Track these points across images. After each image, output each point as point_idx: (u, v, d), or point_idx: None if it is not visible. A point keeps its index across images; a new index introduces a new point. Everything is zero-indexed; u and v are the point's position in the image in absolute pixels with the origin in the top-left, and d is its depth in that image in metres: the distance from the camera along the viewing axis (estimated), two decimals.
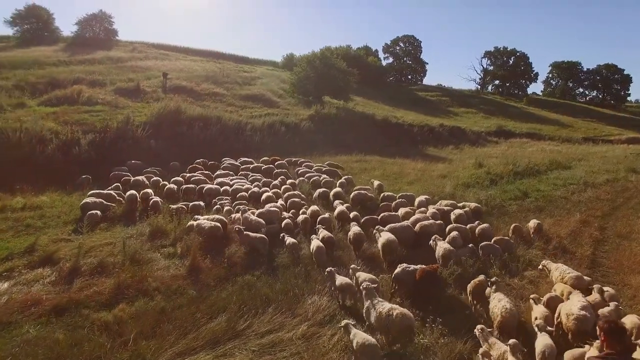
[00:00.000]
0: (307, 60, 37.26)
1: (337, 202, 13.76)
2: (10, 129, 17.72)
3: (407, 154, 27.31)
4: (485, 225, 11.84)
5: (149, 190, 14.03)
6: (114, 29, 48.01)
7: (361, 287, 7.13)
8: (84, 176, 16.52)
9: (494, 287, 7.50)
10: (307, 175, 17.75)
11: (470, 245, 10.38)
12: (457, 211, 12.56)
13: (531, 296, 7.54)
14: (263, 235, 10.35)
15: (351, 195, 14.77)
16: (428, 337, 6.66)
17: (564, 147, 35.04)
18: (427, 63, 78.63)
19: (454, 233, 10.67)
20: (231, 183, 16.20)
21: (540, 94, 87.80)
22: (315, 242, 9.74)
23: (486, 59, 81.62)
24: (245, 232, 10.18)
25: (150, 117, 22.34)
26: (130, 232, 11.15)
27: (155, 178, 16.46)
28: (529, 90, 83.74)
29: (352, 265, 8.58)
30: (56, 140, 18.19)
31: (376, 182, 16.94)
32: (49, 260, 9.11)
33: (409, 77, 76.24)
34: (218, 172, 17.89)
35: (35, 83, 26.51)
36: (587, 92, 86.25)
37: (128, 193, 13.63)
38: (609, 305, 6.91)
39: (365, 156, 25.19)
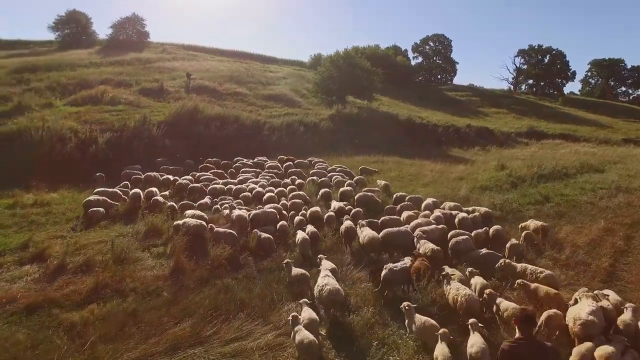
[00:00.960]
0: (331, 60, 36.87)
1: (334, 201, 13.53)
2: (33, 128, 18.43)
3: (428, 155, 26.47)
4: (497, 227, 11.40)
5: (153, 189, 14.13)
6: (145, 31, 49.57)
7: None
8: (98, 174, 16.91)
9: (444, 280, 7.75)
10: (318, 175, 17.49)
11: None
12: (461, 215, 11.87)
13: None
14: (232, 231, 10.42)
15: (355, 197, 14.34)
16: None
17: (600, 149, 32.89)
18: (458, 62, 76.80)
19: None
20: (236, 182, 16.12)
21: (578, 93, 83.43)
22: (300, 234, 10.03)
23: (520, 57, 78.41)
24: (215, 229, 10.28)
25: (168, 116, 22.68)
26: (127, 230, 11.21)
27: (165, 176, 16.67)
28: (566, 90, 79.86)
29: (320, 255, 8.99)
30: (75, 139, 18.75)
31: (382, 182, 16.42)
32: (39, 257, 9.24)
33: (439, 76, 74.26)
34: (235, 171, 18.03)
35: (66, 84, 27.55)
36: (630, 91, 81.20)
37: (132, 191, 13.79)
38: (623, 309, 6.75)
39: (383, 157, 24.57)
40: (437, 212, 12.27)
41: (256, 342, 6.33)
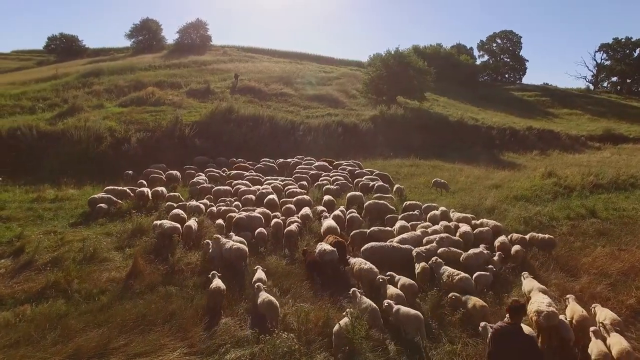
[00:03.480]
0: (381, 59, 35.70)
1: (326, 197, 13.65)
2: (74, 127, 19.80)
3: (473, 158, 24.43)
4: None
5: (160, 189, 14.35)
6: (208, 35, 51.56)
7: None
8: (127, 171, 17.67)
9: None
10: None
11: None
12: (464, 229, 10.50)
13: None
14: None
15: (365, 205, 13.36)
16: None
17: None
18: (527, 60, 70.01)
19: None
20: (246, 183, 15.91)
21: None
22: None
23: (601, 52, 69.87)
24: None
25: (203, 116, 23.21)
26: (116, 229, 11.38)
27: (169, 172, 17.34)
28: None
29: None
30: (110, 138, 19.83)
31: (395, 186, 15.26)
32: (20, 251, 9.62)
33: (506, 75, 68.47)
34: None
35: (122, 86, 29.46)
36: None
37: (137, 190, 14.10)
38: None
39: (420, 160, 23.04)
40: (439, 225, 11.00)
41: None
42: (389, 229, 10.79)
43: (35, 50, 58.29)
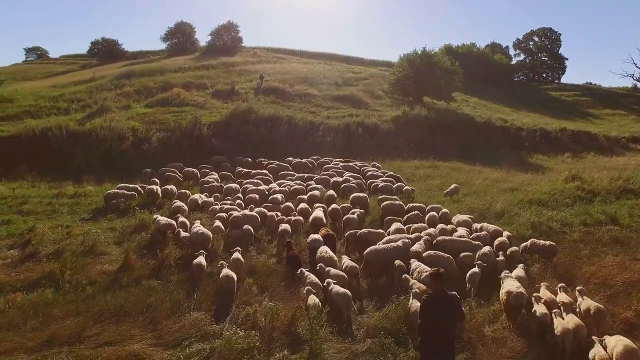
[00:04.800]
0: (408, 59, 35.15)
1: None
2: (100, 127, 20.78)
3: (496, 161, 23.58)
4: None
5: (169, 187, 14.85)
6: (239, 36, 52.58)
7: None
8: (145, 170, 18.36)
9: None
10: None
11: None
12: (458, 233, 10.19)
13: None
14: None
15: (382, 205, 13.25)
16: None
17: None
18: (567, 59, 66.10)
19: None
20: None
21: None
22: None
23: None
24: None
25: (222, 117, 23.74)
26: (120, 224, 11.87)
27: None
28: None
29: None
30: (132, 137, 20.68)
31: (402, 186, 15.07)
32: (28, 243, 10.23)
33: (543, 75, 65.28)
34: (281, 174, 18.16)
35: (151, 88, 30.55)
36: None
37: (147, 187, 14.63)
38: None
39: (439, 162, 22.53)
40: (437, 228, 10.77)
41: (124, 349, 6.11)
42: (380, 231, 10.61)
43: (80, 55, 61.48)
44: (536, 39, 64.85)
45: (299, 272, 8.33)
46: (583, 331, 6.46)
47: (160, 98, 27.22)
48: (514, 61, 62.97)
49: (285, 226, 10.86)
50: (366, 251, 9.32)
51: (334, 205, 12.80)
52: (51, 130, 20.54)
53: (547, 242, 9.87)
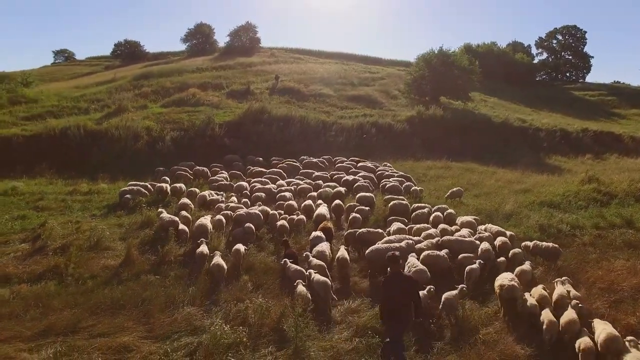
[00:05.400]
0: (424, 59, 34.80)
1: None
2: (115, 127, 21.34)
3: (512, 161, 23.12)
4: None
5: (178, 185, 15.13)
6: (257, 37, 53.08)
7: None
8: (158, 168, 18.76)
9: None
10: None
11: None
12: (461, 233, 10.06)
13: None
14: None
15: (389, 205, 13.22)
16: None
17: None
18: (592, 57, 63.75)
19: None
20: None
21: None
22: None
23: None
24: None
25: (235, 116, 24.02)
26: (127, 220, 12.17)
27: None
28: None
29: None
30: (147, 136, 21.15)
31: (411, 187, 14.99)
32: (38, 237, 10.61)
33: (567, 74, 63.30)
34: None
35: (169, 88, 31.18)
36: None
37: (157, 185, 14.94)
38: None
39: (453, 162, 22.22)
40: (438, 229, 10.66)
41: (115, 340, 6.29)
42: (379, 230, 10.55)
43: (104, 56, 63.19)
44: (560, 37, 62.95)
45: (282, 262, 8.76)
46: (576, 326, 6.56)
47: (176, 98, 27.73)
48: (536, 60, 61.54)
49: (282, 222, 10.95)
50: (368, 250, 9.31)
51: (337, 201, 12.92)
52: (70, 130, 21.19)
53: (550, 244, 9.63)
